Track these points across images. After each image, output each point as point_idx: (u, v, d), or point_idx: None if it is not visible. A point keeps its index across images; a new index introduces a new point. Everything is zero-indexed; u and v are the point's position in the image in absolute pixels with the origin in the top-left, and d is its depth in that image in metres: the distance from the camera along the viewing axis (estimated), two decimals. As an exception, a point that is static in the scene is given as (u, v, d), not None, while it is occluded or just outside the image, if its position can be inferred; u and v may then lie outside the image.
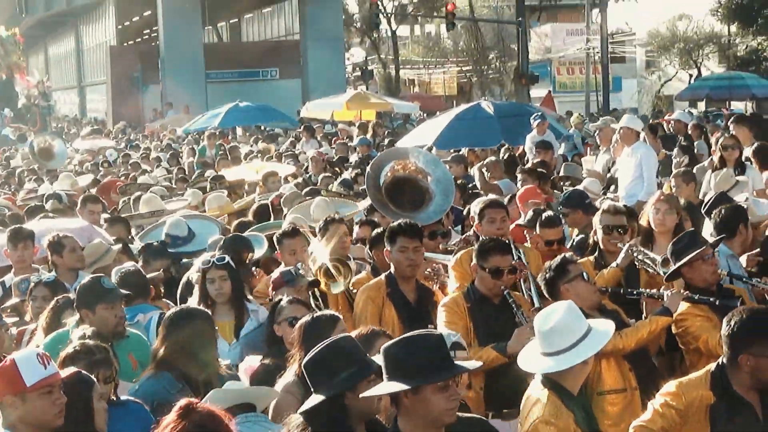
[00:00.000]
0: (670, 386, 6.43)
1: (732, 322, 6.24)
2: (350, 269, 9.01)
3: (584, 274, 7.98)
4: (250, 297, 8.84)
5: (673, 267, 8.27)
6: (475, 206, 10.38)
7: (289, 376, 6.67)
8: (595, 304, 7.85)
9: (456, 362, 5.46)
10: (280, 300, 7.90)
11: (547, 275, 7.96)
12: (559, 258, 8.10)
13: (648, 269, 8.94)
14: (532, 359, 6.29)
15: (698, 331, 7.83)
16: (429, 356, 5.25)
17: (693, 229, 8.97)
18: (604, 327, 6.44)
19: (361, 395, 5.39)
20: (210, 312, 7.88)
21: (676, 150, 17.63)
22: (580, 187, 13.57)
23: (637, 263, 8.99)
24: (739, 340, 6.17)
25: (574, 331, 6.21)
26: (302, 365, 5.69)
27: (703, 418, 6.26)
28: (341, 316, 7.04)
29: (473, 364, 5.92)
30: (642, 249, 9.09)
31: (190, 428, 4.81)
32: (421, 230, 9.08)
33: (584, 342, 6.21)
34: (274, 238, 10.16)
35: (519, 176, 14.39)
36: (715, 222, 9.47)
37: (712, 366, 6.43)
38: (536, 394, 6.24)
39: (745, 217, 9.66)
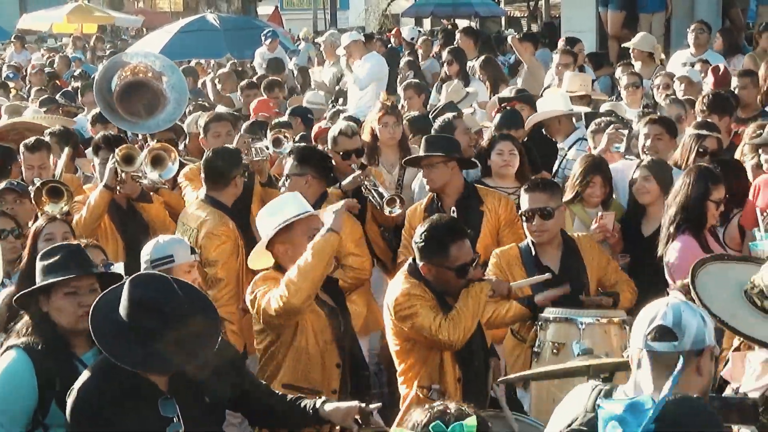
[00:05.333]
0: (397, 296, 6.46)
1: (420, 232, 6.46)
2: (70, 194, 8.59)
3: None
4: None
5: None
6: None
7: None
8: None
9: None
10: None
11: None
12: None
13: (372, 201, 8.70)
14: None
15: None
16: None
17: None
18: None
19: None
20: None
21: (402, 64, 17.66)
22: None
23: (363, 190, 8.74)
24: (423, 250, 6.41)
25: None
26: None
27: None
28: None
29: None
30: (374, 180, 8.81)
31: None
32: (118, 141, 9.11)
33: None
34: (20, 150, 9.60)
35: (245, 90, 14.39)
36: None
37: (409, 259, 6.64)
38: None
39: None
